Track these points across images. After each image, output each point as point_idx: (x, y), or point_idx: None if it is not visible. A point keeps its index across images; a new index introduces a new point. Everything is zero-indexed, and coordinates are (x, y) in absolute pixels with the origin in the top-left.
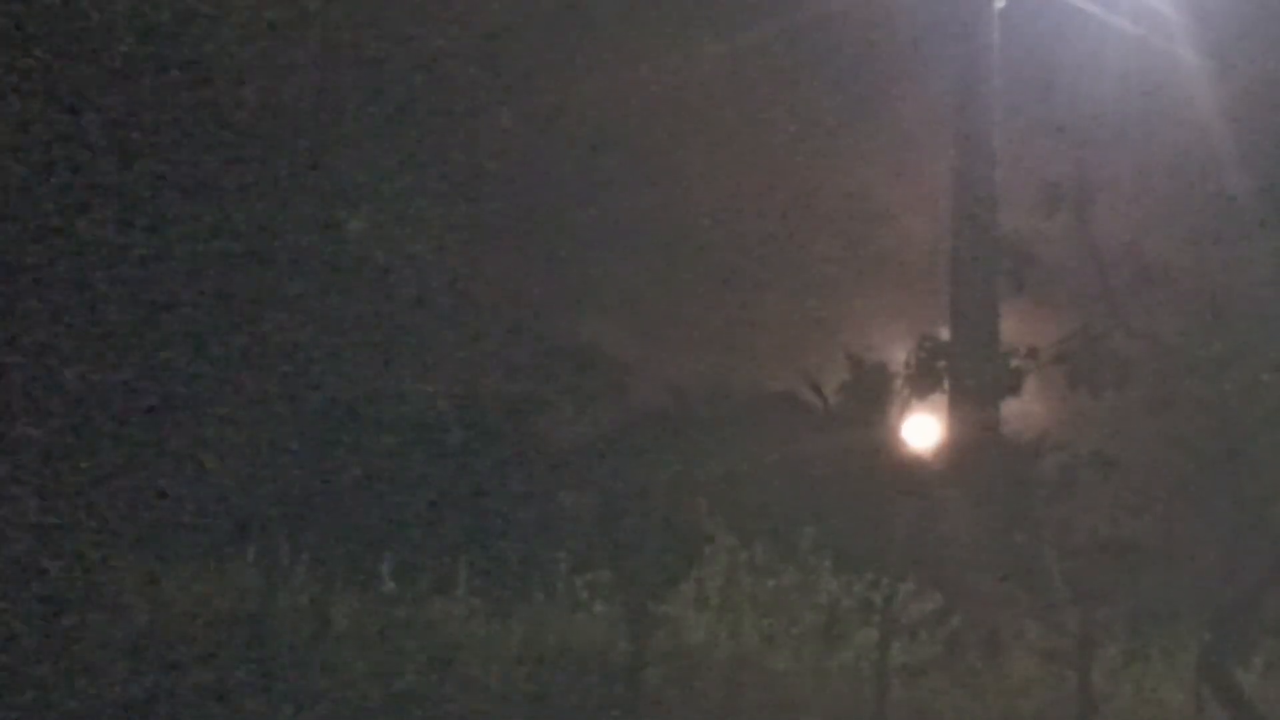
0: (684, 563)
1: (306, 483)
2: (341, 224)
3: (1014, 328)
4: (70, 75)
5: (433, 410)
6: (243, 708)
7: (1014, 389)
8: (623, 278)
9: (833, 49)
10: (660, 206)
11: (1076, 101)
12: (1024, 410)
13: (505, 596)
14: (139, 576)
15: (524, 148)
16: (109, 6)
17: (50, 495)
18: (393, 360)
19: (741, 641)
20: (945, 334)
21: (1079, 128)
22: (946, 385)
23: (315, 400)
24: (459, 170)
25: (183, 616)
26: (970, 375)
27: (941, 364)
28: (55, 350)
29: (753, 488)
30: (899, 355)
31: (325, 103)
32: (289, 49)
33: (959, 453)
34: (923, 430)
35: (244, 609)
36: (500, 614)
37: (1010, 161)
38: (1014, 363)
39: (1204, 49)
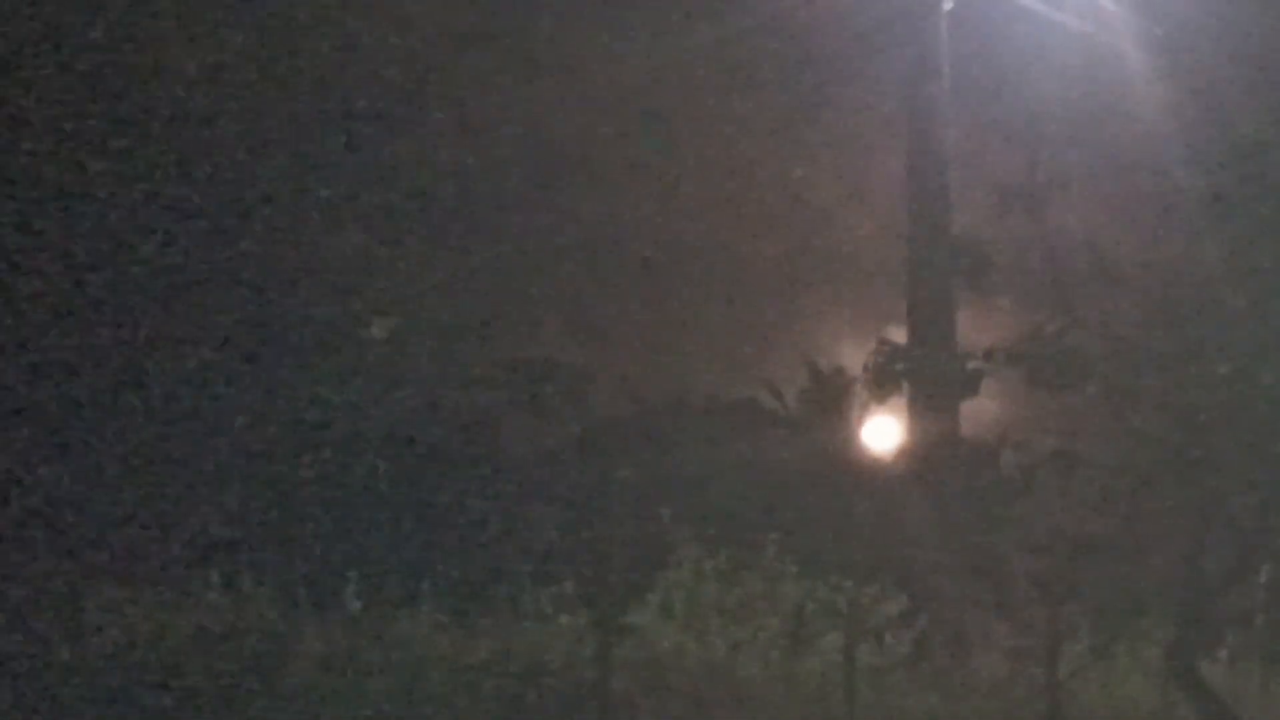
0: (649, 572)
1: (267, 500)
2: (298, 238)
3: (971, 328)
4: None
5: (392, 424)
6: None
7: (972, 389)
8: (580, 286)
9: (782, 51)
10: (616, 214)
11: (1027, 101)
12: (983, 410)
13: (469, 610)
14: (101, 599)
15: (476, 156)
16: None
17: (9, 519)
18: (351, 375)
19: (709, 649)
20: (902, 336)
21: (1030, 127)
22: (905, 388)
23: (274, 416)
24: (414, 182)
25: (146, 639)
26: (928, 377)
27: (900, 366)
28: (10, 371)
29: (716, 495)
30: (858, 359)
31: (278, 113)
32: (229, 58)
33: (920, 454)
34: (883, 433)
35: (207, 629)
36: (465, 628)
37: (962, 162)
38: (972, 363)
39: (1153, 46)
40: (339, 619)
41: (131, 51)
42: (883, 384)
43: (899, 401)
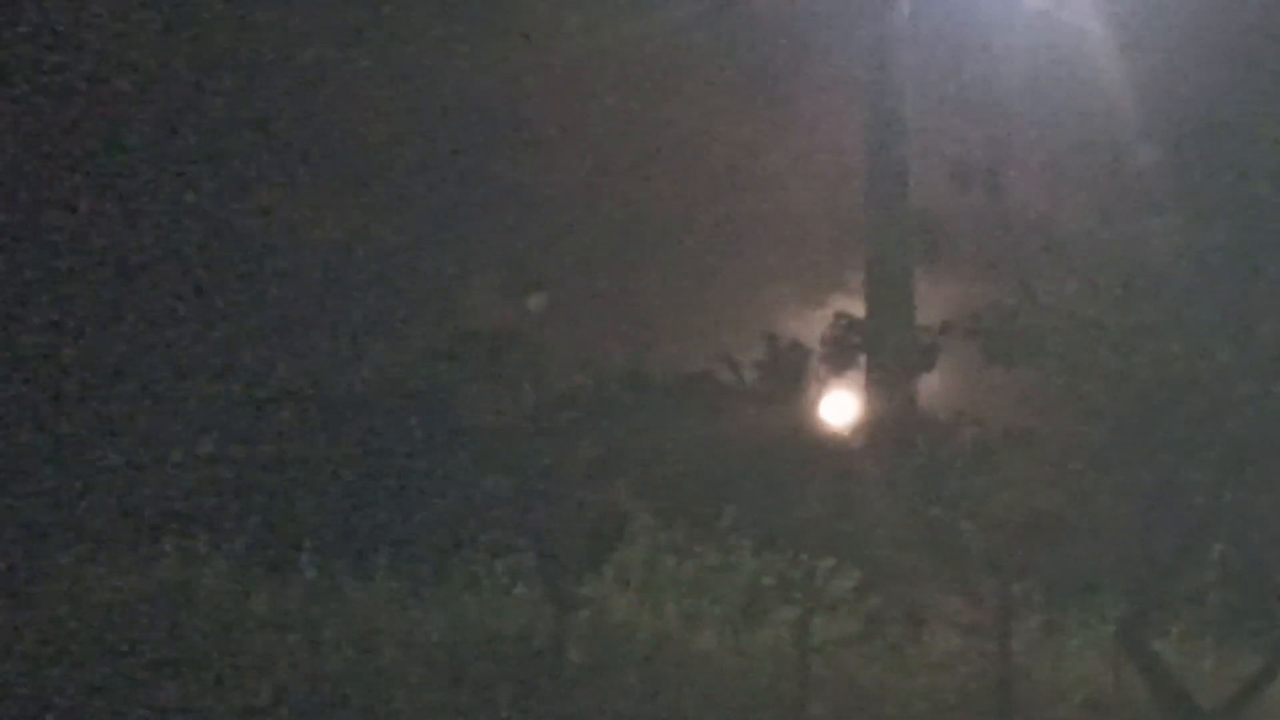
0: (604, 544)
1: (222, 470)
2: (252, 211)
3: (928, 303)
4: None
5: (349, 395)
6: (161, 696)
7: (929, 364)
8: (537, 259)
9: (744, 27)
10: (576, 188)
11: (986, 78)
12: (939, 385)
13: (425, 580)
14: (56, 566)
15: (435, 130)
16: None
17: None
18: (308, 346)
19: (662, 622)
20: (860, 310)
21: (989, 104)
22: (862, 362)
23: (231, 387)
24: (371, 156)
25: (101, 606)
26: (885, 351)
27: (857, 340)
28: None
29: (672, 468)
30: (815, 333)
31: (226, 92)
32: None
33: (875, 429)
34: (839, 407)
35: (162, 597)
36: (420, 599)
37: (921, 138)
38: (929, 338)
39: (1112, 25)
40: (295, 586)
41: (110, 49)
42: (840, 357)
43: (856, 375)
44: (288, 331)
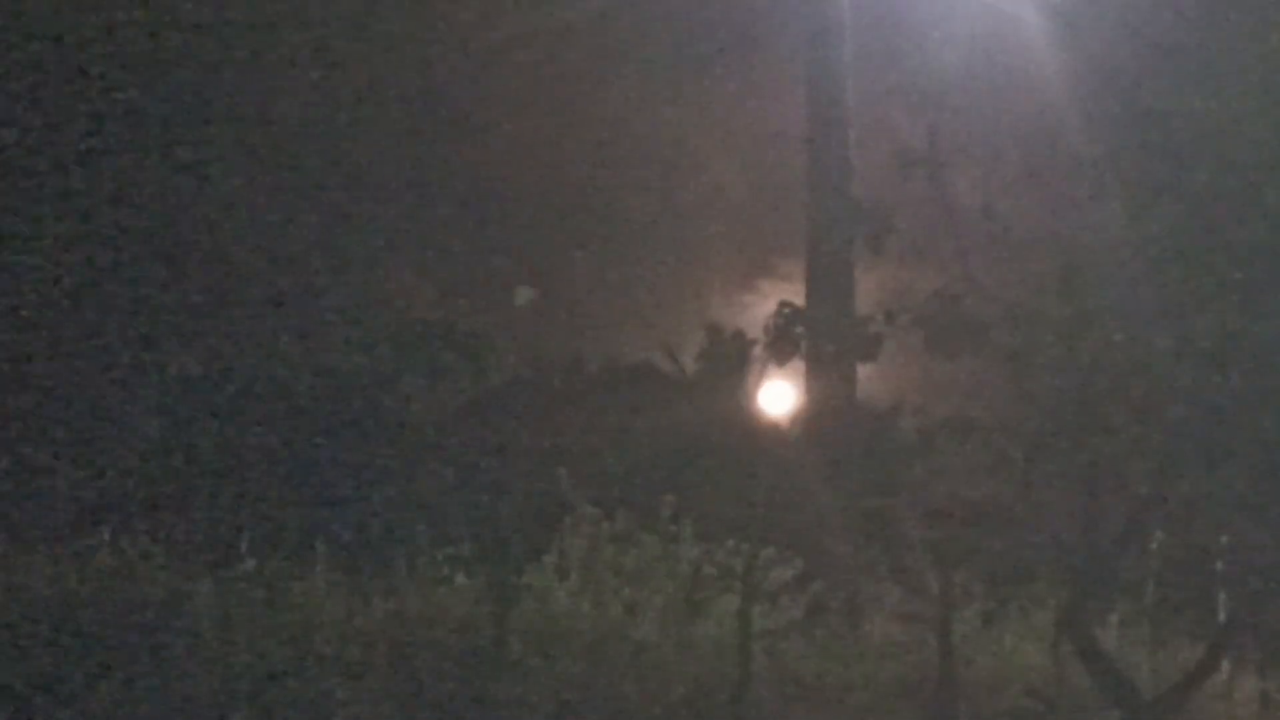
0: (545, 534)
1: (158, 461)
2: (185, 204)
3: (870, 292)
4: None
5: (286, 384)
6: (95, 693)
7: (871, 354)
8: (477, 248)
9: (682, 12)
10: (511, 176)
11: (927, 66)
12: (881, 374)
13: (364, 571)
14: None
15: (369, 117)
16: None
17: None
18: (243, 336)
19: (604, 611)
20: (802, 299)
21: (930, 92)
22: (804, 351)
23: (166, 378)
24: (303, 144)
25: (34, 602)
26: (828, 340)
27: (798, 330)
28: None
29: (613, 457)
30: (757, 322)
31: (134, 87)
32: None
33: (817, 418)
34: (781, 397)
35: (96, 591)
36: (360, 590)
37: (863, 126)
38: (871, 326)
39: (1054, 13)
40: (233, 578)
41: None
42: (782, 347)
43: (797, 364)
44: (221, 321)
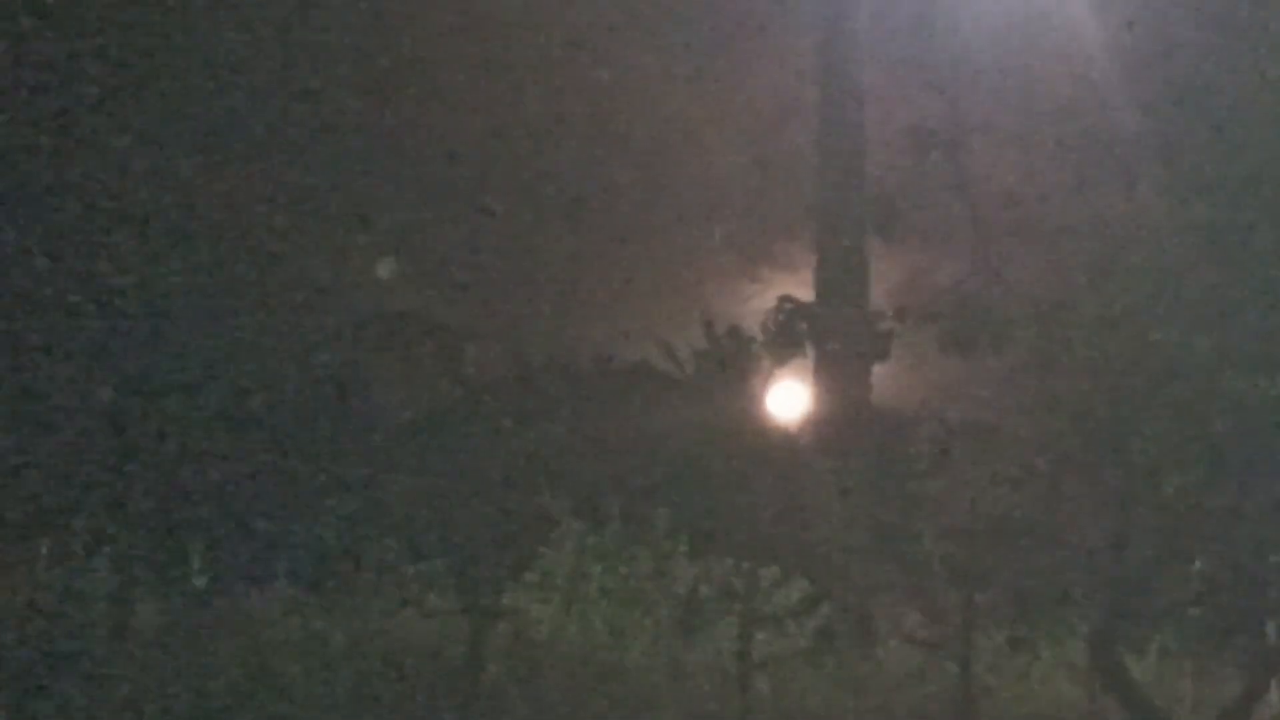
0: (526, 550)
1: (107, 469)
2: (141, 202)
3: (883, 285)
4: None
5: (245, 384)
6: (36, 709)
7: (883, 353)
8: (459, 237)
9: None
10: (504, 164)
11: (948, 41)
12: (895, 376)
13: (328, 589)
14: None
15: (349, 104)
16: None
17: None
18: (199, 332)
19: (590, 635)
20: (810, 294)
21: (951, 71)
22: (810, 350)
23: (120, 380)
24: (275, 137)
25: None
26: (836, 338)
27: (804, 327)
28: None
29: (602, 466)
30: (760, 318)
31: (85, 80)
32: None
33: (825, 424)
34: (786, 399)
35: (38, 606)
36: (322, 609)
37: (878, 107)
38: (883, 323)
39: None
40: (182, 596)
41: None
42: (785, 345)
43: (803, 364)
44: (176, 317)
